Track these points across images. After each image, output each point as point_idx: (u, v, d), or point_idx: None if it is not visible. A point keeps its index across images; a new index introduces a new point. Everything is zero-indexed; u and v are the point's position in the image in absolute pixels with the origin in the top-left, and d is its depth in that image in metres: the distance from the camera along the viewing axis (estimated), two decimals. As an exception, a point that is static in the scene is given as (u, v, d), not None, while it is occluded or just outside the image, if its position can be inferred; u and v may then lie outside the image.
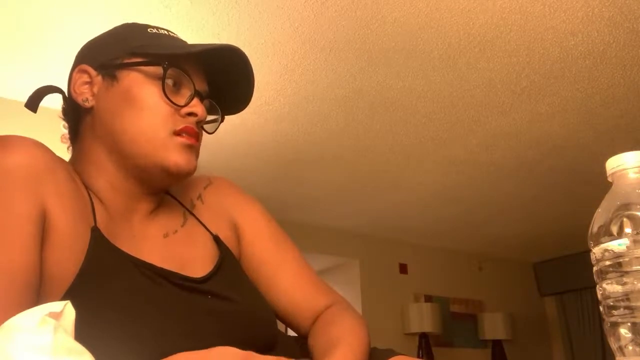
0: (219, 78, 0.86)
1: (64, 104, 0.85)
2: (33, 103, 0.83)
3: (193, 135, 0.80)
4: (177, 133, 0.79)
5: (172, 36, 0.85)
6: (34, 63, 2.38)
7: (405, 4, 2.18)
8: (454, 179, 3.83)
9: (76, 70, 0.82)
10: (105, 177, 0.80)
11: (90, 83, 0.81)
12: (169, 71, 0.79)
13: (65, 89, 0.85)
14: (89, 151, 0.81)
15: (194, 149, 0.81)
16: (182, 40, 0.85)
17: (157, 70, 0.79)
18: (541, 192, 4.07)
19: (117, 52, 0.81)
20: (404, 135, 3.21)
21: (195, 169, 0.81)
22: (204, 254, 0.84)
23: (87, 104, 0.80)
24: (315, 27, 2.29)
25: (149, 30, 0.84)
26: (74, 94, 0.81)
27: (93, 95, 0.80)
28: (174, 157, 0.78)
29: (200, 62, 0.84)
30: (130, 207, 0.81)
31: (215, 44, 0.81)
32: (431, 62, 2.55)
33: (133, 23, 0.88)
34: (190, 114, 0.80)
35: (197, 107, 0.80)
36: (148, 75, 0.79)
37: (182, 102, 0.80)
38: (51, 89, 0.84)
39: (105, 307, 0.68)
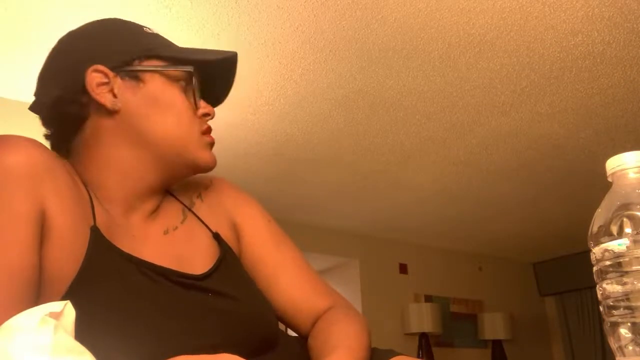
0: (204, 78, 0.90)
1: (62, 106, 0.81)
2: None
3: (210, 131, 0.87)
4: (203, 132, 0.85)
5: (164, 37, 0.88)
6: (34, 63, 2.38)
7: (405, 4, 2.18)
8: (453, 179, 3.83)
9: (91, 70, 0.79)
10: (123, 180, 0.80)
11: (108, 84, 0.79)
12: (189, 77, 0.84)
13: None
14: (109, 156, 0.80)
15: (213, 145, 0.88)
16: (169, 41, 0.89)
17: (177, 73, 0.83)
18: (541, 192, 4.07)
19: (132, 53, 0.81)
20: (404, 135, 3.21)
21: (215, 165, 0.87)
22: (204, 251, 0.84)
23: (115, 107, 0.79)
24: (315, 27, 2.29)
25: (145, 29, 0.86)
26: (95, 95, 0.79)
27: (115, 97, 0.79)
28: (206, 156, 0.84)
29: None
30: (133, 207, 0.81)
31: (229, 53, 0.86)
32: (431, 62, 2.55)
33: (126, 21, 0.88)
34: (205, 115, 0.86)
35: (209, 107, 0.86)
36: (169, 77, 0.83)
37: (194, 103, 0.85)
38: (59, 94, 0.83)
39: (105, 307, 0.67)
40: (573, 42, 2.45)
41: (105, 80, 0.79)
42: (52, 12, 2.12)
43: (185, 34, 2.26)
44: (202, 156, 0.84)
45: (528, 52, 2.51)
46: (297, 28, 2.29)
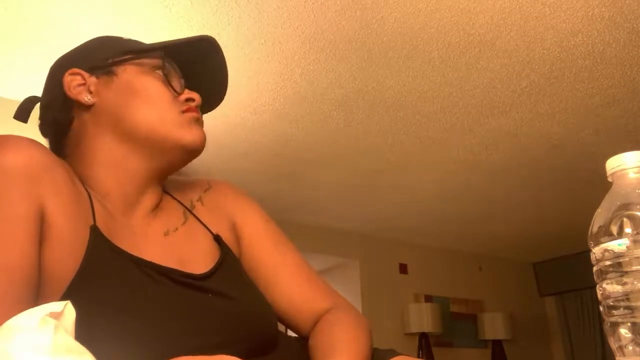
0: (194, 77, 0.90)
1: (49, 111, 0.86)
2: (23, 114, 0.85)
3: (196, 111, 0.85)
4: (184, 111, 0.84)
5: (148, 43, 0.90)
6: (34, 63, 2.38)
7: (405, 4, 2.18)
8: (453, 178, 3.83)
9: (67, 73, 0.83)
10: (114, 172, 0.81)
11: (84, 84, 0.83)
12: (161, 62, 0.84)
13: None
14: (95, 149, 0.82)
15: (200, 122, 0.86)
16: None
17: (152, 62, 0.84)
18: (541, 192, 4.07)
19: (107, 55, 0.84)
20: (404, 135, 3.21)
21: (205, 141, 0.86)
22: (205, 252, 0.84)
23: (89, 101, 0.82)
24: (315, 27, 2.29)
25: (128, 39, 0.89)
26: (71, 94, 0.82)
27: (91, 93, 0.82)
28: (189, 133, 0.83)
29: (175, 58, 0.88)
30: (132, 203, 0.81)
31: (202, 35, 0.87)
32: (431, 62, 2.55)
33: (114, 35, 0.91)
34: (188, 100, 0.85)
35: (192, 93, 0.86)
36: (143, 66, 0.84)
37: (177, 90, 0.85)
38: (39, 99, 0.87)
39: (106, 306, 0.67)
40: (573, 42, 2.45)
41: (82, 81, 0.83)
42: (52, 12, 2.12)
43: (186, 34, 2.26)
44: (186, 134, 0.82)
45: (528, 52, 2.51)
46: (297, 28, 2.29)
